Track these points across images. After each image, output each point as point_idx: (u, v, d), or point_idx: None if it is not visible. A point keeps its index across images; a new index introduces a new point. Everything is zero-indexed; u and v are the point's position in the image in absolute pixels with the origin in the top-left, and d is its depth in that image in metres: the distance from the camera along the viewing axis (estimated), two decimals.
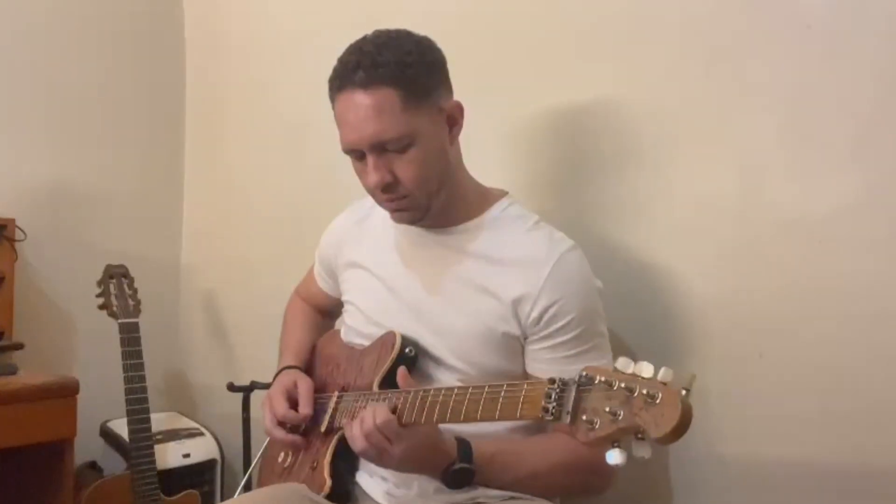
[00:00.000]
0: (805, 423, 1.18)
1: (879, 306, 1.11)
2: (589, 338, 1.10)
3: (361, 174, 1.12)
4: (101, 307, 1.88)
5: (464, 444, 1.04)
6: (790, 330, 1.19)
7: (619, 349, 1.19)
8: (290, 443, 1.22)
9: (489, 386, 0.92)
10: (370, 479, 1.19)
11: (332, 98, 1.11)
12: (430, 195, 1.12)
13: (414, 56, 1.07)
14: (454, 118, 1.13)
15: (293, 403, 1.23)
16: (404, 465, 1.03)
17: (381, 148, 1.07)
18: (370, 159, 1.09)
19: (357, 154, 1.11)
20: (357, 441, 1.01)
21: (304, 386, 1.24)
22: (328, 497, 1.14)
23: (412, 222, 1.17)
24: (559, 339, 1.10)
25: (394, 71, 1.05)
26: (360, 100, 1.06)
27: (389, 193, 1.11)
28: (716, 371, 1.25)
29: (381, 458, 1.02)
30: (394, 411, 0.99)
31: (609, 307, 1.17)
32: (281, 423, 1.22)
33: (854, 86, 1.13)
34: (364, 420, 1.00)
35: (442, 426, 1.01)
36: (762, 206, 1.22)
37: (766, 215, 1.21)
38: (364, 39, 1.10)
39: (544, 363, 1.11)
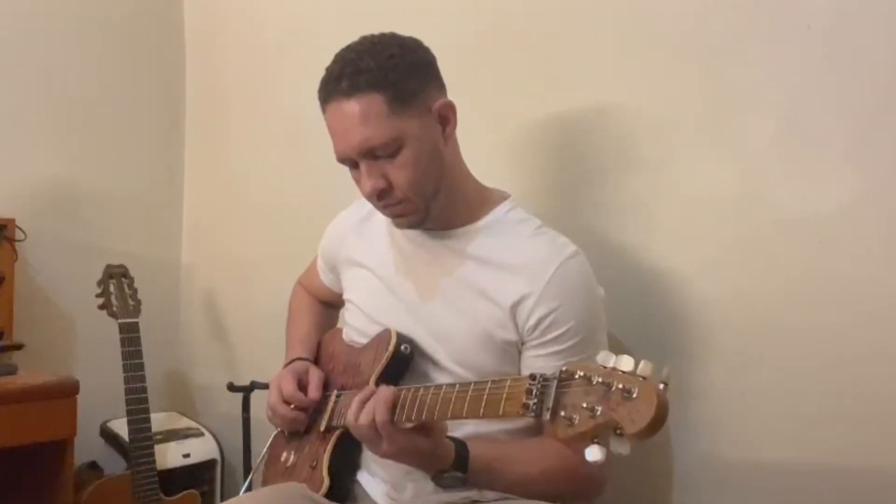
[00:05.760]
0: (805, 424, 1.18)
1: (880, 306, 1.11)
2: (586, 347, 1.08)
3: (358, 183, 1.12)
4: (101, 307, 1.88)
5: (460, 453, 1.02)
6: (790, 330, 1.19)
7: (619, 351, 1.18)
8: (292, 420, 1.22)
9: (475, 383, 0.91)
10: (371, 478, 1.19)
11: (322, 110, 1.10)
12: (427, 197, 1.11)
13: (397, 59, 1.06)
14: (446, 117, 1.11)
15: (303, 387, 1.23)
16: (398, 459, 1.03)
17: (371, 155, 1.07)
18: (363, 167, 1.08)
19: (351, 163, 1.11)
20: (355, 429, 1.00)
21: (316, 374, 1.25)
22: (327, 496, 1.14)
23: (413, 227, 1.16)
24: (555, 348, 1.08)
25: (377, 76, 1.04)
26: (347, 108, 1.05)
27: (385, 199, 1.10)
28: (716, 371, 1.25)
29: (374, 449, 1.02)
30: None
31: (609, 308, 1.16)
32: (286, 402, 1.22)
33: (854, 86, 1.13)
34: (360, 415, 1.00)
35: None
36: (762, 206, 1.21)
37: (767, 215, 1.21)
38: (348, 48, 1.09)
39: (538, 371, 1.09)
